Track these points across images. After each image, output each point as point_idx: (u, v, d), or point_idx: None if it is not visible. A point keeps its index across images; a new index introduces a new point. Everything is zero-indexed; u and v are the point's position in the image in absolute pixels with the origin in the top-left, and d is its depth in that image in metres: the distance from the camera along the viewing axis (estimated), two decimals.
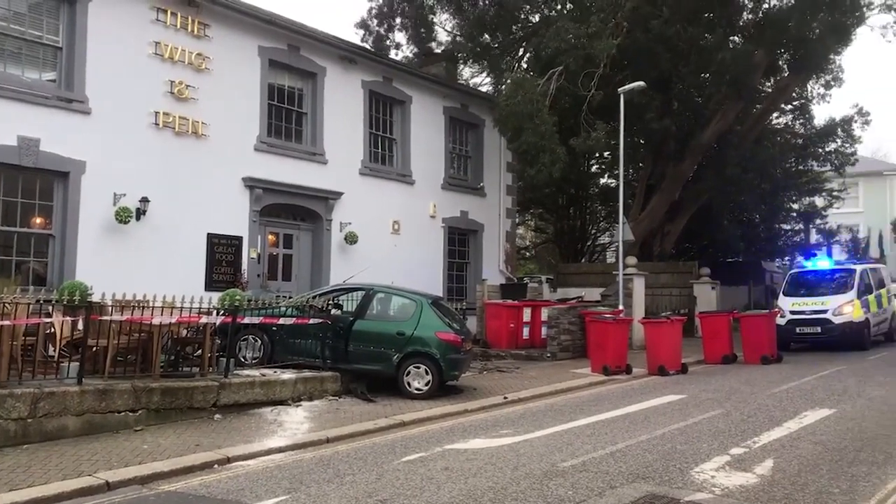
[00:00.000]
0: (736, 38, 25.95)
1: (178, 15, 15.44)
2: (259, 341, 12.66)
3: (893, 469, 7.56)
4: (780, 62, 26.67)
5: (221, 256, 16.04)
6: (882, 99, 76.85)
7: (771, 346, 17.77)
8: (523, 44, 26.71)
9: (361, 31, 22.43)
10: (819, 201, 34.23)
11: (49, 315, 10.40)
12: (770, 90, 28.45)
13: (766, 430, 9.51)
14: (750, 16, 26.44)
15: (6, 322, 8.96)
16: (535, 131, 19.47)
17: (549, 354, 18.11)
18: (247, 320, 12.10)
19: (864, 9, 23.50)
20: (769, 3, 25.30)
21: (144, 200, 14.53)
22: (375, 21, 22.49)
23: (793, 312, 20.28)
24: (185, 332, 11.58)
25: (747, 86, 24.70)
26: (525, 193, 29.30)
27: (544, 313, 19.13)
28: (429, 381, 12.26)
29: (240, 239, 16.42)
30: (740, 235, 31.87)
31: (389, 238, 19.93)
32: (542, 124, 19.53)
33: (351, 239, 18.47)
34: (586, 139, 20.83)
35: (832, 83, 28.48)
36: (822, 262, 22.88)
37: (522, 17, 25.36)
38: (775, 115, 31.18)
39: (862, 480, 7.16)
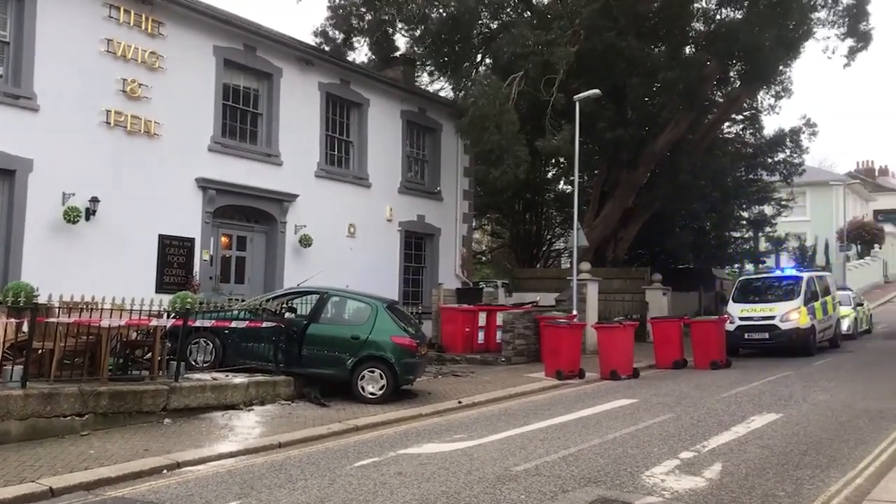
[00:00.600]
0: (688, 49, 26.43)
1: (132, 13, 15.17)
2: (211, 345, 12.49)
3: (837, 472, 7.76)
4: (731, 73, 27.19)
5: (173, 258, 15.78)
6: (830, 111, 78.96)
7: (720, 351, 18.10)
8: (482, 49, 26.82)
9: (320, 40, 22.22)
10: (768, 210, 34.99)
11: None
12: (721, 100, 29.01)
13: (715, 435, 9.68)
14: (702, 27, 26.95)
15: None
16: (500, 132, 19.58)
17: (503, 359, 18.19)
18: (198, 323, 11.93)
19: (812, 23, 24.10)
20: (721, 15, 25.81)
21: (94, 200, 14.23)
22: (334, 30, 22.33)
23: (742, 319, 20.69)
24: (134, 335, 11.38)
25: (698, 96, 25.16)
26: (482, 198, 29.41)
27: (499, 318, 19.20)
28: (383, 386, 12.21)
29: (192, 241, 16.18)
30: (691, 243, 32.38)
31: (345, 241, 19.83)
32: (507, 126, 19.65)
33: (306, 242, 18.33)
34: (552, 140, 20.97)
35: (782, 94, 29.14)
36: (770, 270, 23.45)
37: (481, 21, 25.45)
38: (727, 124, 31.76)
39: (807, 483, 7.34)
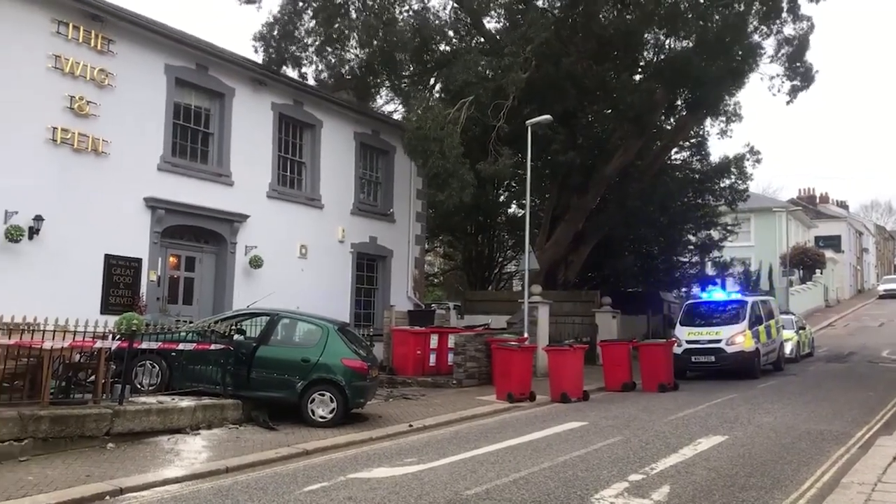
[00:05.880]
0: (637, 76, 27.03)
1: (81, 29, 14.93)
2: (157, 367, 12.24)
3: (780, 494, 7.92)
4: (679, 101, 27.88)
5: (119, 279, 15.46)
6: (775, 137, 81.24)
7: (668, 374, 18.37)
8: (434, 73, 27.03)
9: (260, 44, 21.84)
10: (715, 234, 35.76)
11: None
12: (669, 128, 29.69)
13: (664, 457, 9.81)
14: (652, 56, 27.60)
15: None
16: (444, 156, 19.71)
17: (455, 381, 18.19)
18: (144, 345, 11.70)
19: (757, 56, 24.86)
20: (670, 46, 26.47)
21: (38, 219, 13.89)
22: (277, 37, 22.09)
23: (689, 342, 21.05)
24: (78, 357, 11.09)
25: (648, 123, 25.72)
26: (435, 220, 29.47)
27: (451, 340, 19.22)
28: (333, 409, 12.11)
29: (139, 261, 15.88)
30: (640, 266, 32.89)
31: (296, 262, 19.67)
32: (450, 150, 19.78)
33: (256, 263, 18.13)
34: (493, 164, 21.22)
35: (732, 119, 29.98)
36: (716, 294, 23.95)
37: (433, 45, 25.66)
38: (674, 151, 32.49)
39: None
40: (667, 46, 26.76)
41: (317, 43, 23.14)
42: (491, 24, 27.09)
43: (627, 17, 24.73)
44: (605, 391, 17.93)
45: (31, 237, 13.81)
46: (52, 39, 14.50)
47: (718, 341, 20.79)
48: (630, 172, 28.51)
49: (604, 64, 25.56)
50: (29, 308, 10.66)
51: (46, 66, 14.38)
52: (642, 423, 12.81)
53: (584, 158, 26.66)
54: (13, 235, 13.41)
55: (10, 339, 9.76)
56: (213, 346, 12.20)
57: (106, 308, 14.80)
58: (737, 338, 20.79)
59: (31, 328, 10.18)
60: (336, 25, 22.45)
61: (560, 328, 23.65)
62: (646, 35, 25.66)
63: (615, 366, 18.30)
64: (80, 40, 14.93)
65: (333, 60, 23.92)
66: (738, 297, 23.98)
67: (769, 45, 25.73)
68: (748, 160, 31.89)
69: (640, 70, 27.45)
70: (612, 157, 26.93)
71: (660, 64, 26.17)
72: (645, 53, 27.69)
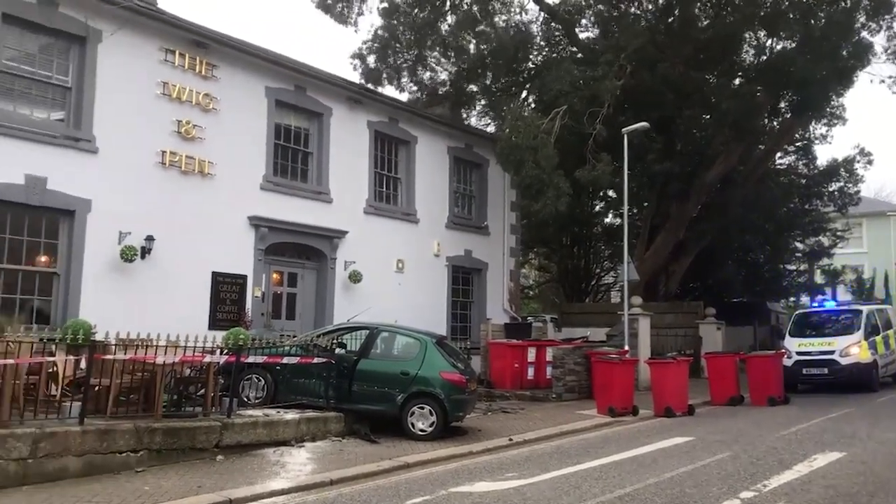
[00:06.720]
0: (736, 80, 26.21)
1: (186, 56, 15.61)
2: (262, 381, 12.56)
3: None
4: (782, 104, 26.88)
5: (226, 295, 16.00)
6: (887, 138, 77.29)
7: (778, 387, 17.62)
8: (526, 85, 26.99)
9: (358, 62, 22.46)
10: (824, 241, 34.21)
11: (52, 354, 10.33)
12: (773, 132, 28.64)
13: (777, 474, 9.36)
14: (752, 58, 26.72)
15: (9, 361, 8.91)
16: (538, 165, 19.57)
17: (554, 395, 17.95)
18: (250, 359, 12.01)
19: (869, 55, 23.67)
20: (771, 47, 25.55)
21: (150, 239, 14.55)
22: (374, 56, 22.66)
23: (799, 353, 20.14)
24: (188, 371, 11.50)
25: (749, 128, 24.88)
26: (529, 232, 29.30)
27: (549, 353, 19.00)
28: (433, 423, 12.12)
29: (244, 277, 16.41)
30: (744, 275, 31.79)
31: (393, 277, 19.90)
32: (545, 159, 19.63)
33: (355, 278, 18.44)
34: (591, 171, 20.87)
35: (835, 122, 28.68)
36: (828, 303, 22.87)
37: (520, 56, 25.59)
38: (779, 155, 31.32)
39: None
40: (767, 47, 25.86)
41: (411, 60, 23.54)
42: (583, 33, 26.89)
43: (726, 20, 24.04)
44: (711, 405, 17.34)
45: (143, 257, 14.46)
46: (160, 67, 15.22)
47: (832, 353, 19.80)
48: (732, 178, 27.64)
49: (701, 68, 24.92)
50: (142, 324, 11.14)
51: (156, 93, 15.10)
52: (752, 439, 12.30)
53: (683, 165, 26.02)
54: (127, 255, 14.07)
55: (126, 354, 10.20)
56: (315, 360, 12.42)
57: (214, 324, 15.32)
58: (852, 349, 19.75)
59: (145, 344, 10.61)
60: (429, 42, 22.76)
61: (661, 340, 23.08)
62: (745, 36, 24.87)
63: (721, 379, 17.67)
64: (186, 67, 15.61)
65: (427, 76, 24.26)
66: (853, 306, 22.80)
67: (878, 41, 24.52)
68: (858, 162, 30.49)
69: (739, 73, 26.61)
70: (712, 163, 26.20)
71: (760, 66, 25.31)
72: (744, 56, 26.85)
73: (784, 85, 23.94)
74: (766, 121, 28.12)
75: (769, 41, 25.82)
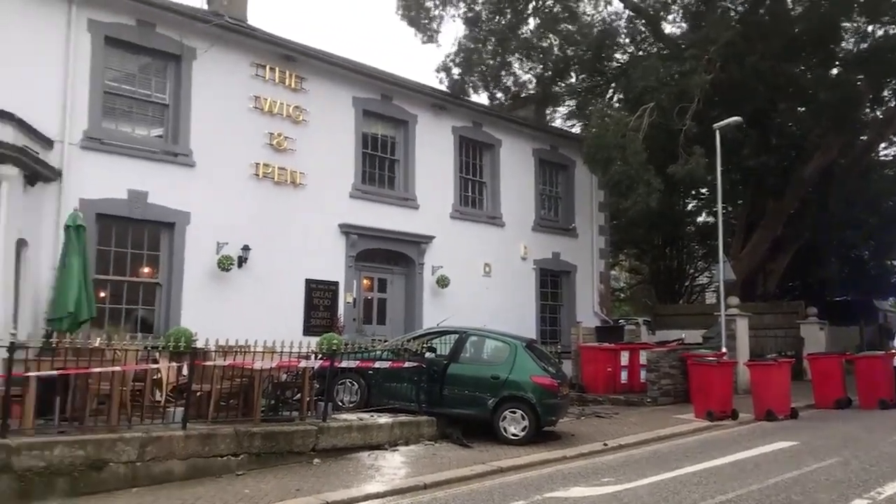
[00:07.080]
0: (834, 70, 25.10)
1: (277, 70, 16.05)
2: (356, 385, 12.71)
3: None
4: (886, 92, 25.59)
5: (319, 301, 16.33)
6: None
7: (889, 389, 16.74)
8: (612, 84, 26.59)
9: (444, 74, 22.72)
10: None
11: (156, 361, 10.76)
12: (875, 122, 27.29)
13: (892, 480, 8.87)
14: (851, 47, 25.55)
15: (117, 368, 9.31)
16: (627, 162, 19.17)
17: (649, 399, 17.54)
18: (344, 364, 12.19)
19: None
20: (872, 33, 24.37)
21: (245, 248, 14.99)
22: (458, 66, 22.84)
23: None
24: (284, 376, 11.74)
25: (849, 119, 23.78)
26: (618, 233, 28.81)
27: (643, 357, 18.60)
28: (525, 427, 12.01)
29: (336, 284, 16.71)
30: (847, 273, 30.41)
31: (481, 281, 19.89)
32: (633, 156, 19.21)
33: (443, 282, 18.52)
34: (684, 165, 20.24)
35: None
36: None
37: (604, 54, 25.20)
38: (883, 145, 29.83)
39: None
40: (868, 34, 24.67)
41: (495, 67, 23.52)
42: (669, 28, 26.28)
43: (821, 8, 23.06)
44: (816, 408, 16.62)
45: (239, 266, 14.91)
46: (252, 81, 15.70)
47: None
48: (832, 172, 26.48)
49: (794, 59, 23.95)
50: (239, 331, 11.43)
51: (248, 107, 15.58)
52: (862, 443, 11.70)
53: (778, 160, 25.09)
54: (224, 265, 14.54)
55: (225, 360, 10.52)
56: (406, 364, 12.50)
57: (308, 329, 15.66)
58: None
59: (243, 350, 10.91)
60: (512, 46, 22.68)
61: (761, 342, 22.30)
62: (844, 24, 23.79)
63: (826, 381, 16.91)
64: (276, 81, 16.04)
65: (510, 81, 24.18)
66: None
67: None
68: None
69: (837, 62, 25.47)
70: (810, 156, 25.17)
71: (861, 54, 24.15)
72: (843, 44, 25.68)
73: (887, 73, 22.80)
74: (868, 111, 26.83)
75: (870, 27, 24.63)
